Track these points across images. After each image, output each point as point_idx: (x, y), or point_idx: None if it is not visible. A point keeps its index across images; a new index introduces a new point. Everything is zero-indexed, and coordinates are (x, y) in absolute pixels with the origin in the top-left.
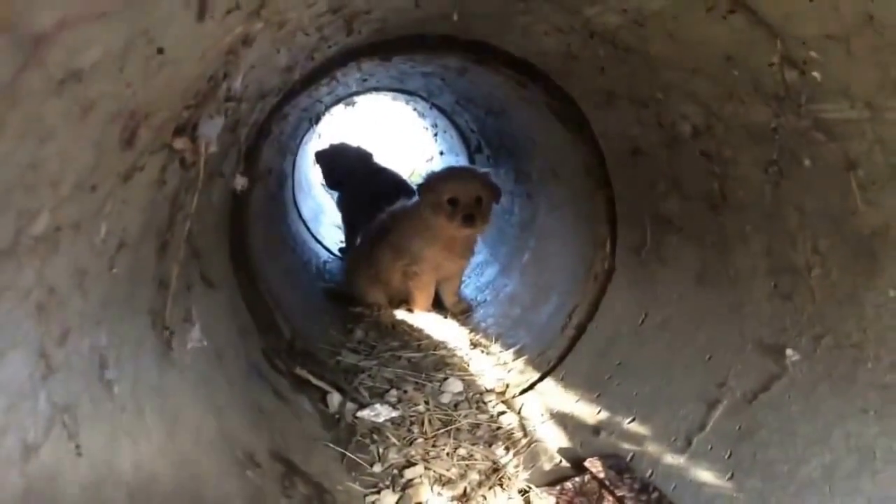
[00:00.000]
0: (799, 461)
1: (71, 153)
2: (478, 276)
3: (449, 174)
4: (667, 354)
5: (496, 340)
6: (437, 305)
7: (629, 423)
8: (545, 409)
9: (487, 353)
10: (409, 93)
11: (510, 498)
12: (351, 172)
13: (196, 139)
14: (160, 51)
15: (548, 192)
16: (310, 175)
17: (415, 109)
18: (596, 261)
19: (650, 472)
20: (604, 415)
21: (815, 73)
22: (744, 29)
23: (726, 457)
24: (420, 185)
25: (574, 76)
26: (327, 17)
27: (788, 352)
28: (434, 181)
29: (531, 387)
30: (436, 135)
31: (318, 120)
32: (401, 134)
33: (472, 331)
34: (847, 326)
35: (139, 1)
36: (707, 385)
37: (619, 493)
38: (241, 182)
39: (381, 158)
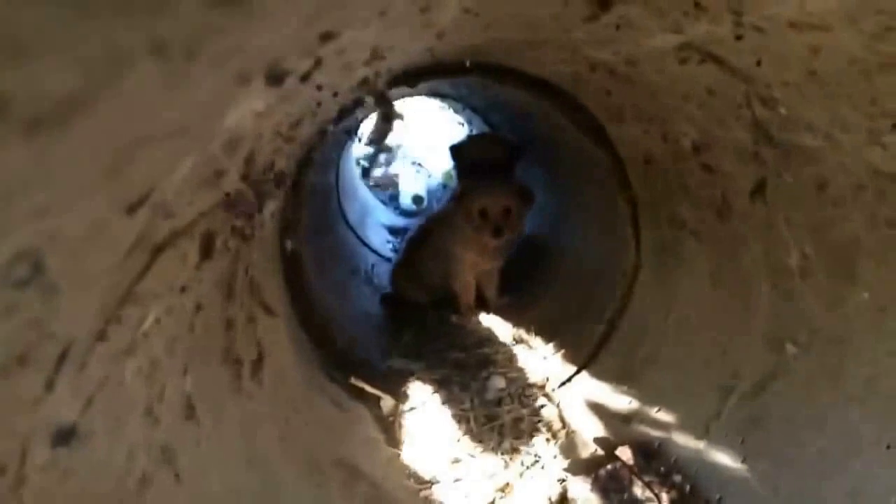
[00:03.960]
0: (800, 445)
1: (167, 276)
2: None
3: (479, 185)
4: (687, 349)
5: (537, 336)
6: (480, 303)
7: (656, 412)
8: (582, 401)
9: (529, 349)
10: (441, 96)
11: (549, 486)
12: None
13: (253, 218)
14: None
15: (576, 192)
16: (353, 178)
17: (450, 108)
18: (623, 260)
19: (674, 458)
20: (634, 405)
21: (782, 109)
22: (716, 73)
23: (739, 442)
24: (455, 195)
25: (585, 94)
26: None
27: (788, 346)
28: (466, 192)
29: (569, 380)
30: (471, 130)
31: (357, 129)
32: (438, 131)
33: (514, 326)
34: (834, 324)
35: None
36: (722, 377)
37: (646, 478)
38: (289, 245)
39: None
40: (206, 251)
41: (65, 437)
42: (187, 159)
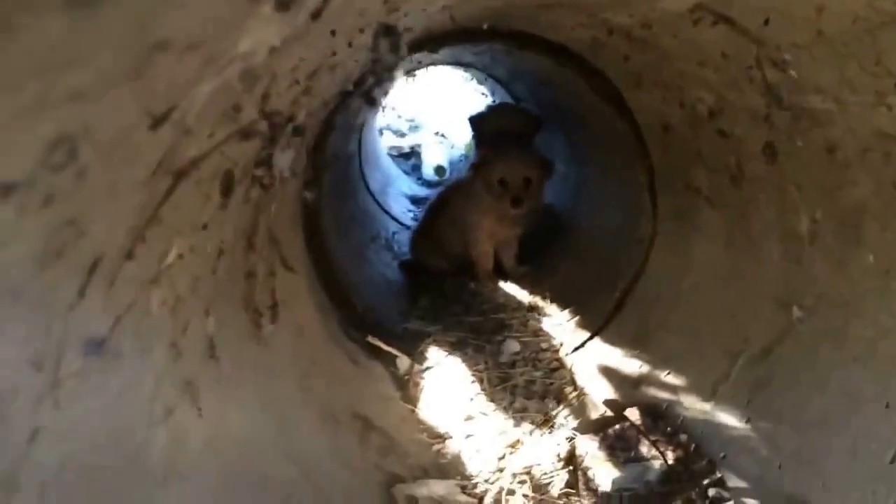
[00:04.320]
0: (803, 405)
1: (189, 209)
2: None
3: (498, 154)
4: (699, 314)
5: (552, 303)
6: (498, 271)
7: (665, 376)
8: (594, 366)
9: (544, 315)
10: (465, 65)
11: (558, 444)
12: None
13: (272, 167)
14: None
15: (596, 160)
16: (376, 147)
17: (473, 78)
18: (640, 227)
19: (681, 418)
20: (644, 369)
21: (793, 72)
22: (729, 34)
23: (745, 404)
24: (474, 164)
25: (604, 60)
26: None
27: (795, 310)
28: (485, 161)
29: (582, 345)
30: (494, 101)
31: (379, 98)
32: (461, 102)
33: (530, 294)
34: (840, 287)
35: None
36: (731, 341)
37: (653, 437)
38: (309, 196)
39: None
40: (227, 190)
41: (96, 348)
42: (205, 83)
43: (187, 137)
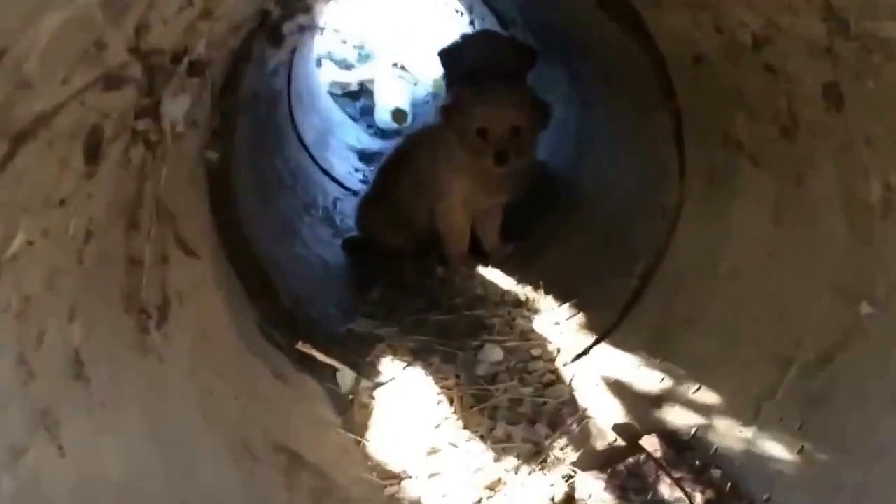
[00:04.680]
0: (872, 429)
1: (38, 180)
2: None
3: (478, 95)
4: (738, 308)
5: (547, 294)
6: (475, 252)
7: (694, 392)
8: (601, 379)
9: (536, 312)
10: None
11: (552, 484)
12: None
13: (160, 119)
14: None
15: (606, 102)
16: (312, 84)
17: None
18: (664, 191)
19: (713, 448)
20: (666, 383)
21: None
22: None
23: (797, 427)
24: (444, 106)
25: None
26: None
27: (863, 305)
28: (460, 102)
29: (586, 351)
30: (471, 22)
31: (315, 19)
32: (424, 21)
33: (518, 282)
34: None
35: None
36: (779, 343)
37: (676, 474)
38: (212, 156)
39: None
40: (93, 153)
41: None
42: (50, 14)
43: (27, 88)
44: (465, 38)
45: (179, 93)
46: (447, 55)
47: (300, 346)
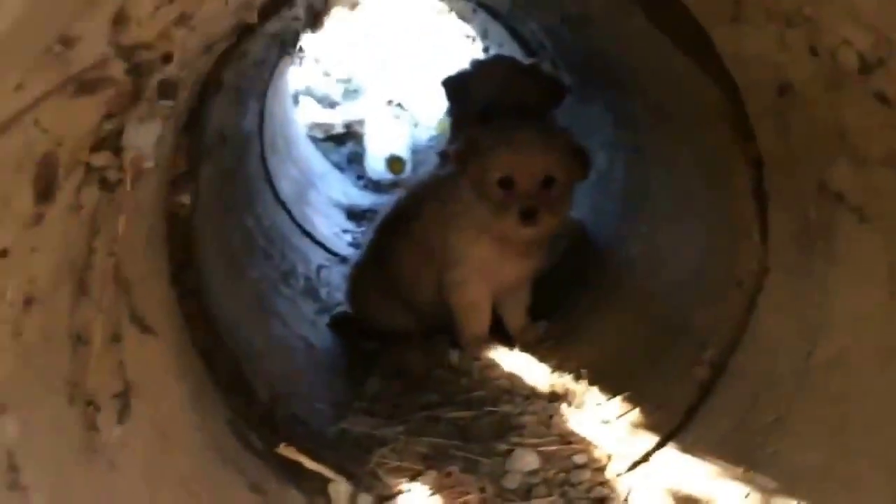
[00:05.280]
0: None
1: None
2: None
3: (501, 135)
4: (842, 406)
5: (591, 386)
6: (498, 333)
7: None
8: (665, 493)
9: (578, 407)
10: None
11: None
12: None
13: (121, 152)
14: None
15: (662, 146)
16: (288, 125)
17: (451, 10)
18: (740, 257)
19: None
20: (753, 500)
21: None
22: None
23: None
24: (457, 150)
25: None
26: None
27: None
28: (478, 144)
29: (645, 458)
30: (485, 49)
31: (295, 41)
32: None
33: (554, 371)
34: None
35: None
36: None
37: None
38: (183, 200)
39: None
40: (44, 193)
41: None
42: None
43: None
44: (475, 64)
45: (147, 118)
46: (453, 85)
47: (281, 449)
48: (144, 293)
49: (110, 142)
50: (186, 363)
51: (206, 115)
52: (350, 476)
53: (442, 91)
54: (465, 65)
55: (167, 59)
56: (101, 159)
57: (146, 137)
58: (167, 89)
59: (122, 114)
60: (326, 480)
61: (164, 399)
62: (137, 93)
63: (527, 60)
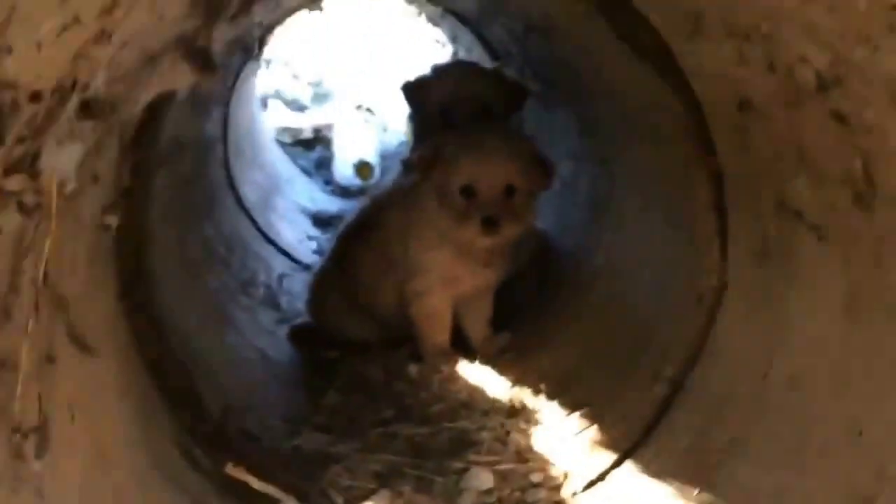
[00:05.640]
0: None
1: None
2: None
3: (464, 143)
4: (801, 426)
5: (550, 401)
6: (460, 344)
7: None
8: None
9: (536, 424)
10: None
11: None
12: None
13: (38, 176)
14: None
15: (626, 157)
16: (255, 130)
17: (421, 13)
18: (700, 272)
19: None
20: None
21: None
22: None
23: None
24: (420, 156)
25: None
26: None
27: None
28: (441, 152)
29: (601, 477)
30: (455, 54)
31: (260, 46)
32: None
33: (513, 385)
34: None
35: None
36: (856, 474)
37: None
38: (110, 222)
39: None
40: None
41: None
42: None
43: None
44: (436, 69)
45: (67, 140)
46: (412, 89)
47: (230, 469)
48: (85, 311)
49: (24, 163)
50: (131, 380)
51: (157, 125)
52: (301, 495)
53: (401, 93)
54: (424, 73)
55: (75, 86)
56: (14, 183)
57: (66, 159)
58: (91, 108)
59: (37, 137)
60: (276, 501)
61: (102, 420)
62: (52, 115)
63: (489, 67)
